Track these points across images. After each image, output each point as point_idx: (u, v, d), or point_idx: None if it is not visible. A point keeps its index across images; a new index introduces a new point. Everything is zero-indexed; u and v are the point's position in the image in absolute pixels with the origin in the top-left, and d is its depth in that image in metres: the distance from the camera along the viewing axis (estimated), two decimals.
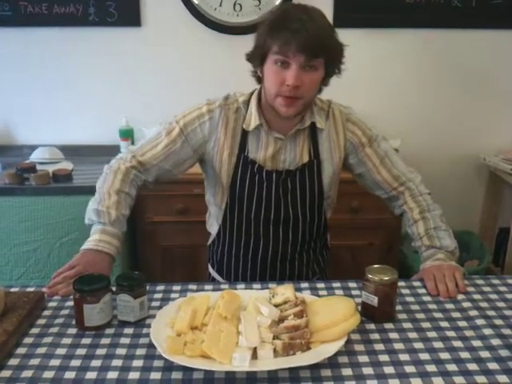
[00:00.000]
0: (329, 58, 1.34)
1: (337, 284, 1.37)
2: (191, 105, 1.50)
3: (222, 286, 1.35)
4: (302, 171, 1.47)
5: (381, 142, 1.53)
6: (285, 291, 1.19)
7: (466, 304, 1.27)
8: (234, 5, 2.57)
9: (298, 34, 1.27)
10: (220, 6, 2.57)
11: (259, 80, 1.44)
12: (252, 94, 1.48)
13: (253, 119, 1.44)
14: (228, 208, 1.51)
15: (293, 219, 1.50)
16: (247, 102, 1.47)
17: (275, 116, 1.42)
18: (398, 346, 1.10)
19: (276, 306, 1.15)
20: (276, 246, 1.52)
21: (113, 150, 2.34)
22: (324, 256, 1.66)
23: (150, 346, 1.07)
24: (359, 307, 1.21)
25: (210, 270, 1.68)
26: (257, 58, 1.38)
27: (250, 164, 1.46)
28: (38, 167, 2.29)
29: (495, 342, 1.11)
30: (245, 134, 1.46)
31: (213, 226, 1.60)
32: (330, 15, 2.57)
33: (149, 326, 1.13)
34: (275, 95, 1.35)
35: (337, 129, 1.50)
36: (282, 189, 1.47)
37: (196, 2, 2.54)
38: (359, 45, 2.64)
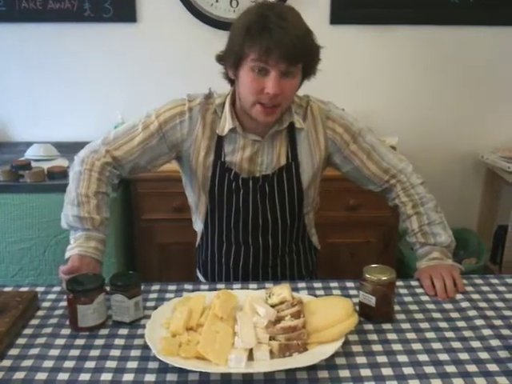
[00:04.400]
0: (307, 62, 1.30)
1: (334, 284, 1.36)
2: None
3: (218, 286, 1.34)
4: (280, 175, 1.43)
5: (366, 135, 1.47)
6: (281, 291, 1.17)
7: (465, 304, 1.26)
8: (231, 1, 2.55)
9: (280, 42, 1.21)
10: (216, 1, 2.54)
11: (231, 82, 1.39)
12: (228, 95, 1.43)
13: (226, 124, 1.39)
14: (209, 212, 1.49)
15: (271, 224, 1.47)
16: (222, 105, 1.41)
17: (250, 119, 1.36)
18: (396, 346, 1.09)
19: (273, 306, 1.14)
20: (257, 253, 1.50)
21: None
22: (313, 258, 1.62)
23: (145, 347, 1.06)
24: (357, 307, 1.20)
25: (198, 273, 1.66)
26: (231, 61, 1.31)
27: (227, 171, 1.42)
28: (33, 164, 2.26)
29: (494, 342, 1.10)
30: (220, 137, 1.41)
31: (197, 223, 1.58)
32: (326, 11, 2.55)
33: (144, 326, 1.11)
34: (253, 103, 1.30)
35: (316, 128, 1.44)
36: (259, 194, 1.43)
37: None
38: (356, 41, 2.62)
